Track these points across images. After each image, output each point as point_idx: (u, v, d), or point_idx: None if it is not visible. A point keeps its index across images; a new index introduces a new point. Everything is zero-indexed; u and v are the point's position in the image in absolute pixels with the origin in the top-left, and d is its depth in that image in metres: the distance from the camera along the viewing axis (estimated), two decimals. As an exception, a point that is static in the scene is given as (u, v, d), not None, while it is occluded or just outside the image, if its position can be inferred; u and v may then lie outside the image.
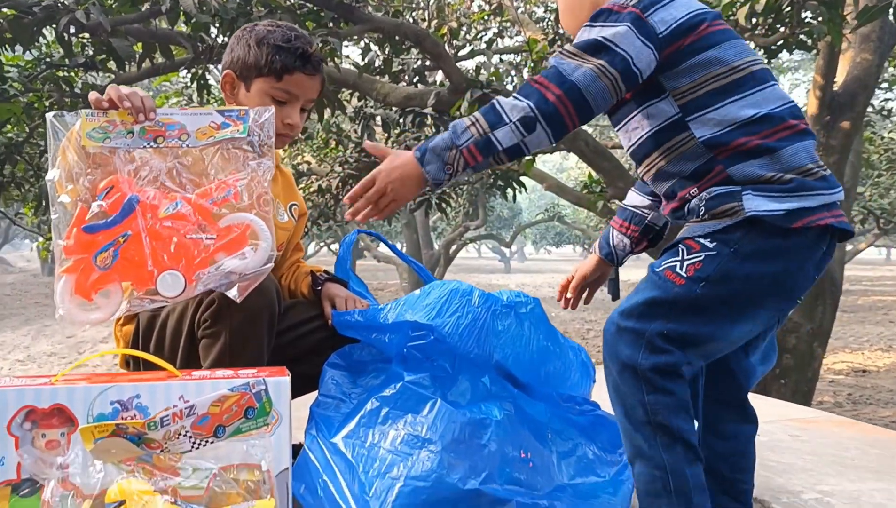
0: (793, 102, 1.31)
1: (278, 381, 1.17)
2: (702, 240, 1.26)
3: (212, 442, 1.12)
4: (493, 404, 1.48)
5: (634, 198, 1.55)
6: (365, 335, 1.59)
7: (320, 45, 4.55)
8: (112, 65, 4.81)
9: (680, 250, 1.29)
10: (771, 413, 2.42)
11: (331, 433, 1.49)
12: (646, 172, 1.40)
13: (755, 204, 1.22)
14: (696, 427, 1.28)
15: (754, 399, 2.75)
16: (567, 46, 1.26)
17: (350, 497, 1.38)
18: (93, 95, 1.34)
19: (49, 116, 1.30)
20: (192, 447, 1.11)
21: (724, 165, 1.26)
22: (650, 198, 1.51)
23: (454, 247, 15.33)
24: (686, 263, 1.26)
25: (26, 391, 1.09)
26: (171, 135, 1.33)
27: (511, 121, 1.22)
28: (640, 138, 1.36)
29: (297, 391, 1.24)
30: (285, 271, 1.90)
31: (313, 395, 1.60)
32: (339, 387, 1.59)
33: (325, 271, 1.85)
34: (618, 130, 1.43)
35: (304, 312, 1.73)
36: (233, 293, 1.29)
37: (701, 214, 1.29)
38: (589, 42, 1.24)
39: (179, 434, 1.11)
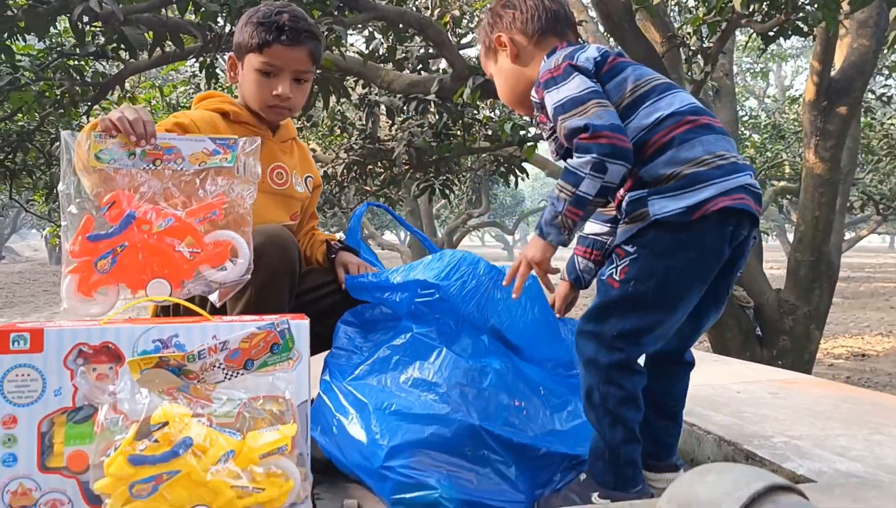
0: (694, 102, 1.50)
1: (299, 323, 1.31)
2: (625, 247, 1.48)
3: (242, 374, 1.26)
4: (492, 357, 1.63)
5: (593, 227, 1.72)
6: (376, 295, 1.74)
7: (325, 31, 4.67)
8: (123, 53, 4.91)
9: (613, 258, 1.51)
10: (755, 376, 2.56)
11: (344, 378, 1.64)
12: None
13: (658, 207, 1.43)
14: (640, 416, 1.50)
15: (741, 365, 2.90)
16: (565, 123, 1.45)
17: (363, 433, 1.53)
18: (102, 121, 1.47)
19: (64, 134, 1.45)
20: (225, 377, 1.25)
21: (638, 169, 1.46)
22: (608, 225, 1.69)
23: (457, 235, 15.46)
24: (618, 267, 1.48)
25: (79, 331, 1.23)
26: (167, 158, 1.48)
27: (586, 173, 1.40)
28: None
29: (312, 351, 1.38)
30: (301, 238, 2.03)
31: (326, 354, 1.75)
32: (351, 341, 1.74)
33: (339, 241, 1.99)
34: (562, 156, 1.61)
35: (319, 277, 1.87)
36: (213, 298, 1.50)
37: (623, 217, 1.51)
38: (572, 101, 1.46)
39: (214, 366, 1.25)
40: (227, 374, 1.25)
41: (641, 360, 1.55)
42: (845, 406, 2.09)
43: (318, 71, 1.98)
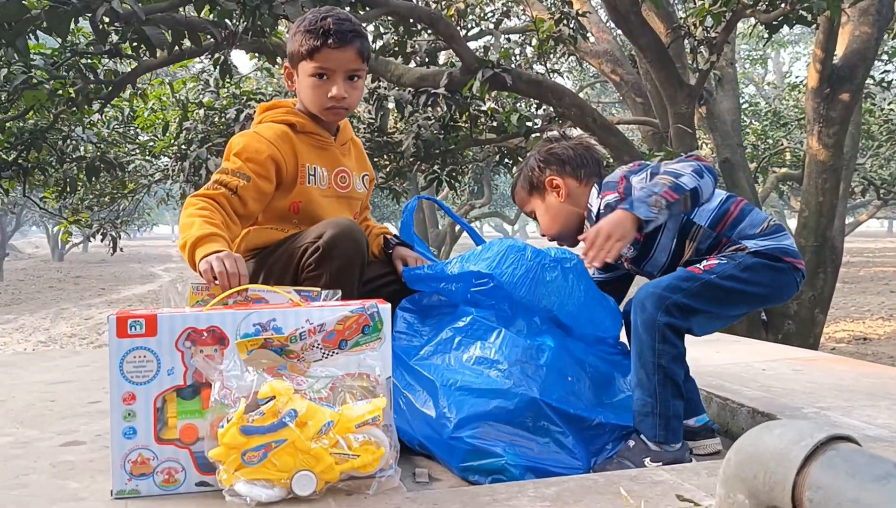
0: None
1: (385, 307, 1.44)
2: (718, 256, 1.79)
3: (336, 353, 1.39)
4: (546, 336, 1.76)
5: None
6: (433, 285, 1.87)
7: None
8: (142, 53, 4.98)
9: (702, 260, 1.78)
10: (775, 355, 2.70)
11: (409, 358, 1.77)
12: (662, 270, 1.86)
13: (756, 244, 1.77)
14: (683, 374, 1.72)
15: (762, 345, 3.03)
16: (668, 168, 1.78)
17: (431, 407, 1.66)
18: (203, 268, 1.56)
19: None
20: (322, 356, 1.38)
21: (727, 235, 1.79)
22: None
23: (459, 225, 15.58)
24: (704, 264, 1.76)
25: (188, 317, 1.36)
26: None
27: (688, 173, 1.72)
28: (668, 246, 1.85)
29: None
30: None
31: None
32: (410, 326, 1.87)
33: (395, 236, 2.12)
34: (648, 260, 1.89)
35: (378, 268, 2.00)
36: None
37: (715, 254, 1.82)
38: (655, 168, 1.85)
39: (313, 346, 1.38)
40: (324, 353, 1.38)
41: None
42: (866, 381, 2.23)
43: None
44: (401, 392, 1.72)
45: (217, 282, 1.54)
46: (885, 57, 8.21)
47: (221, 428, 1.28)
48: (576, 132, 2.01)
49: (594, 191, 1.89)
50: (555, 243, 2.01)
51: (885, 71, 8.57)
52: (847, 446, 0.93)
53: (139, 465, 1.35)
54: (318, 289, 1.57)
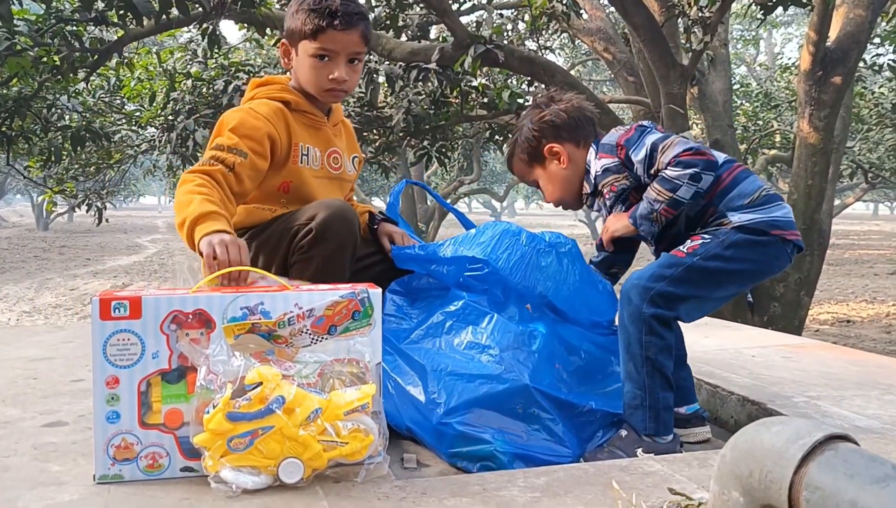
0: (725, 155, 1.84)
1: (376, 292, 1.41)
2: (701, 233, 1.76)
3: (325, 339, 1.36)
4: (539, 323, 1.74)
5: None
6: (423, 266, 1.84)
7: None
8: (129, 21, 4.90)
9: (686, 241, 1.76)
10: (765, 341, 2.70)
11: (399, 341, 1.75)
12: (656, 238, 1.85)
13: (741, 217, 1.73)
14: (672, 365, 1.70)
15: (751, 330, 3.03)
16: (666, 150, 1.73)
17: (420, 392, 1.64)
18: (205, 251, 1.48)
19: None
20: (311, 342, 1.35)
21: (714, 205, 1.76)
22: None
23: (448, 201, 15.53)
24: (687, 245, 1.74)
25: (174, 299, 1.32)
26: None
27: (685, 182, 1.68)
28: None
29: None
30: None
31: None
32: (399, 308, 1.85)
33: (381, 212, 2.08)
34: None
35: (364, 248, 1.96)
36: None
37: (699, 230, 1.79)
38: (662, 138, 1.76)
39: (301, 332, 1.35)
40: (313, 339, 1.36)
41: None
42: (854, 369, 2.23)
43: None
44: (389, 376, 1.70)
45: (217, 267, 1.47)
46: (877, 40, 8.19)
47: (207, 414, 1.26)
48: (566, 95, 1.95)
49: (591, 151, 1.87)
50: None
51: (877, 54, 8.56)
52: (845, 445, 0.92)
53: (123, 450, 1.32)
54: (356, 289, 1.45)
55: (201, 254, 1.52)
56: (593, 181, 1.86)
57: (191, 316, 1.33)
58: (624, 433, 1.65)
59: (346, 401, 1.29)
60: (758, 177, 1.81)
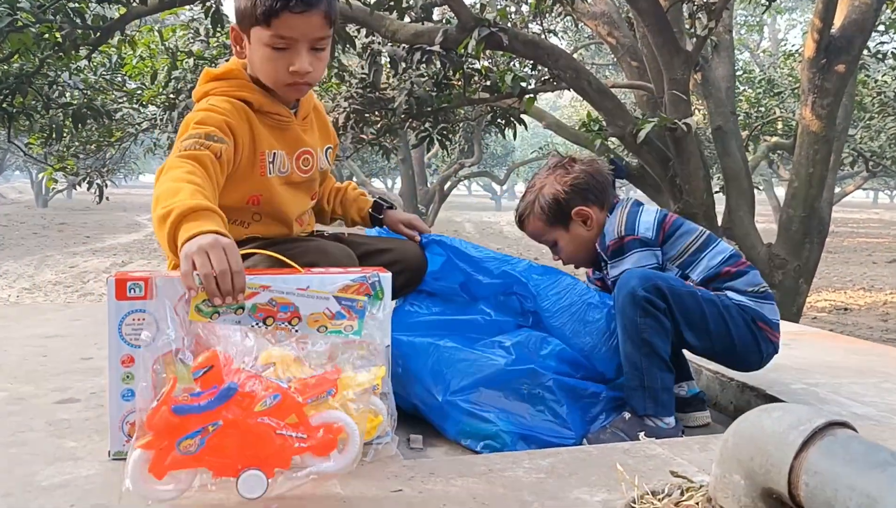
0: (732, 248, 1.90)
1: (386, 276, 1.43)
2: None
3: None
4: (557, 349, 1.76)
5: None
6: (462, 268, 1.84)
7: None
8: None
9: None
10: (765, 329, 2.73)
11: (409, 320, 1.79)
12: None
13: (741, 298, 1.78)
14: (669, 346, 1.71)
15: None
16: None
17: (428, 371, 1.68)
18: (185, 277, 1.27)
19: (158, 279, 1.31)
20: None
21: (716, 287, 1.80)
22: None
23: (448, 184, 15.54)
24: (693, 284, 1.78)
25: (189, 279, 1.35)
26: (282, 317, 1.33)
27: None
28: None
29: None
30: (329, 198, 2.01)
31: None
32: (415, 306, 1.88)
33: (381, 198, 2.00)
34: None
35: (372, 243, 1.87)
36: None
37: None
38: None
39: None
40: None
41: None
42: (854, 357, 2.26)
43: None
44: (398, 355, 1.73)
45: (202, 285, 1.27)
46: (881, 28, 8.17)
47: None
48: (583, 155, 1.98)
49: (610, 219, 1.88)
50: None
51: (881, 42, 8.55)
52: (844, 432, 0.95)
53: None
54: (365, 300, 1.38)
55: (176, 256, 1.31)
56: (606, 251, 1.87)
57: (204, 297, 1.35)
58: (627, 415, 1.68)
59: (357, 383, 1.32)
60: (759, 274, 1.86)
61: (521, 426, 1.62)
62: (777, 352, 1.80)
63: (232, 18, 2.00)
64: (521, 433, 1.61)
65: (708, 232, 1.87)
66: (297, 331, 1.35)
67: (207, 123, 1.56)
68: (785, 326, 2.85)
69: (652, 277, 1.69)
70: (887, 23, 7.99)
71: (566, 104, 28.80)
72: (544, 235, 1.96)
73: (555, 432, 1.63)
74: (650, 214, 1.84)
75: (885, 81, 8.90)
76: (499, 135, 7.55)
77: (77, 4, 5.47)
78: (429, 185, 16.01)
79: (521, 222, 1.99)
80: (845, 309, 9.77)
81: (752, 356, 1.79)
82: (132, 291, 1.33)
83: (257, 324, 1.33)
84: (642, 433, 1.61)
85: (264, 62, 1.62)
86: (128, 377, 1.35)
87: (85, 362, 2.13)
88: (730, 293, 1.78)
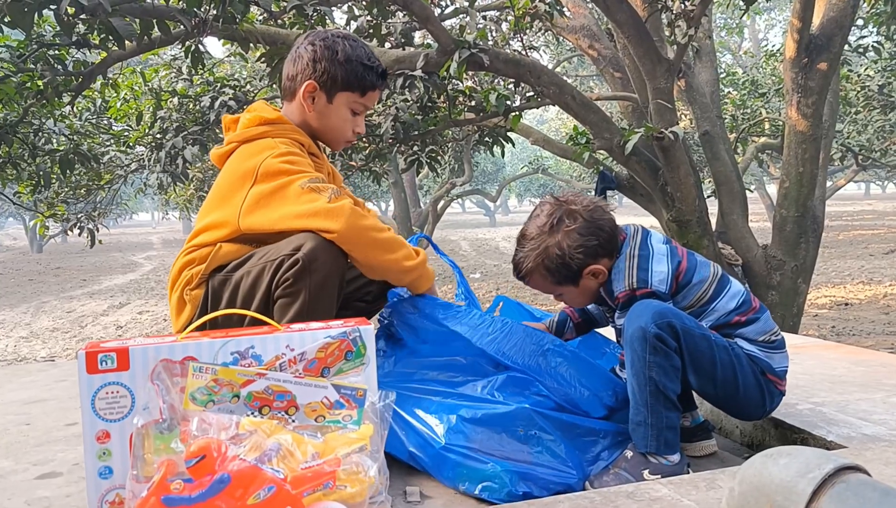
0: (745, 288, 1.83)
1: (368, 329, 1.38)
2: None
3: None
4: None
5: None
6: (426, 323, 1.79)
7: (313, 13, 4.66)
8: (111, 44, 4.87)
9: None
10: (766, 342, 2.67)
11: (397, 374, 1.73)
12: None
13: (751, 348, 1.74)
14: (678, 386, 1.64)
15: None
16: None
17: (422, 418, 1.62)
18: None
19: (134, 349, 1.30)
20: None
21: (727, 333, 1.74)
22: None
23: (441, 203, 15.51)
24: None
25: (162, 347, 1.30)
26: (278, 406, 1.31)
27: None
28: None
29: None
30: None
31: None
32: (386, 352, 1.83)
33: None
34: None
35: (359, 282, 1.95)
36: None
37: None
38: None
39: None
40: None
41: None
42: (858, 370, 2.21)
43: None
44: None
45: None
46: (860, 22, 8.18)
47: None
48: (585, 198, 1.82)
49: (618, 263, 1.78)
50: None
51: (861, 37, 8.55)
52: (856, 477, 0.90)
53: (117, 505, 1.29)
54: (363, 387, 1.35)
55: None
56: (613, 295, 1.79)
57: (180, 365, 1.30)
58: (629, 453, 1.62)
59: (343, 443, 1.26)
60: (771, 317, 1.81)
61: (520, 466, 1.56)
62: (781, 397, 1.76)
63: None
64: (521, 473, 1.55)
65: (721, 274, 1.79)
66: (293, 420, 1.31)
67: (301, 163, 1.77)
68: (789, 338, 2.80)
69: (667, 313, 1.61)
70: (866, 17, 8.00)
71: (553, 117, 28.87)
72: (548, 289, 1.86)
73: (555, 471, 1.57)
74: (662, 261, 1.74)
75: (869, 75, 8.91)
76: (487, 152, 7.53)
77: (57, 52, 5.47)
78: (422, 206, 15.98)
79: (522, 278, 1.86)
80: (846, 304, 9.72)
81: (755, 408, 1.74)
82: (104, 363, 1.27)
83: (252, 413, 1.30)
84: (646, 471, 1.56)
85: (342, 121, 1.92)
86: (104, 453, 1.29)
87: (69, 428, 2.07)
88: (740, 342, 1.73)
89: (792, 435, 1.75)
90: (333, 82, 1.87)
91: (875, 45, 7.40)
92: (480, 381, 1.69)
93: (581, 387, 1.68)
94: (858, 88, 8.81)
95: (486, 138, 7.25)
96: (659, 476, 1.53)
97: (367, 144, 7.03)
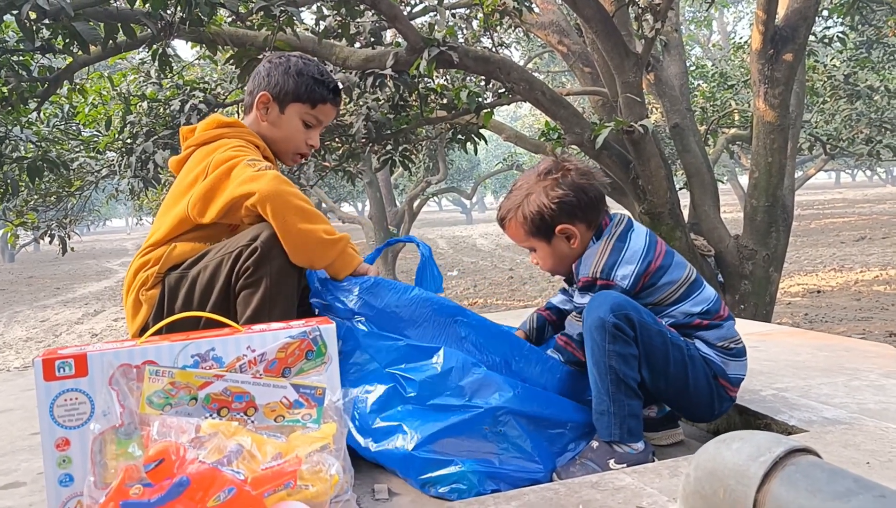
0: (716, 294, 1.83)
1: (329, 327, 1.38)
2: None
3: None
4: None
5: (558, 297, 2.04)
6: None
7: (280, 14, 4.64)
8: (75, 49, 4.82)
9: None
10: (734, 331, 2.70)
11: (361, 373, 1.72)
12: None
13: (709, 351, 1.74)
14: (636, 373, 1.65)
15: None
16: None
17: (388, 420, 1.62)
18: None
19: (118, 371, 1.29)
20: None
21: (687, 334, 1.74)
22: (568, 298, 1.99)
23: (417, 202, 15.50)
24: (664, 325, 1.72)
25: (121, 352, 1.28)
26: (237, 407, 1.30)
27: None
28: None
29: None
30: None
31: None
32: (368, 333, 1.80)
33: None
34: None
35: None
36: None
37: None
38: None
39: (255, 377, 1.32)
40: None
41: None
42: (822, 355, 2.24)
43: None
44: (355, 405, 1.67)
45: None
46: (824, 13, 8.27)
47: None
48: (584, 164, 1.83)
49: (592, 247, 1.78)
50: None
51: (826, 27, 8.65)
52: (806, 459, 0.91)
53: (79, 513, 1.28)
54: (322, 387, 1.34)
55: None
56: (580, 271, 1.78)
57: (140, 368, 1.29)
58: (595, 444, 1.63)
59: (306, 442, 1.26)
60: (735, 324, 1.81)
61: (487, 465, 1.56)
62: (731, 404, 1.76)
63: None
64: (488, 472, 1.55)
65: (692, 280, 1.77)
66: (253, 421, 1.30)
67: (246, 151, 1.81)
68: (753, 326, 2.84)
69: (625, 305, 1.61)
70: (830, 8, 8.10)
71: (526, 113, 28.94)
72: (522, 241, 1.86)
73: (521, 467, 1.58)
74: (633, 259, 1.72)
75: (835, 65, 9.02)
76: (462, 150, 7.54)
77: (21, 57, 5.40)
78: (398, 205, 15.95)
79: (501, 222, 1.89)
80: (818, 292, 9.84)
81: (704, 410, 1.75)
82: (61, 370, 1.26)
83: (211, 415, 1.29)
84: (612, 461, 1.57)
85: (293, 132, 2.00)
86: (64, 461, 1.28)
87: (34, 437, 2.04)
88: (699, 343, 1.73)
89: (755, 421, 1.77)
90: (286, 94, 1.97)
91: (840, 35, 7.50)
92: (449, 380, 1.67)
93: (492, 354, 1.70)
94: (825, 79, 8.92)
95: (459, 136, 7.26)
96: (624, 465, 1.54)
97: (340, 144, 7.01)
